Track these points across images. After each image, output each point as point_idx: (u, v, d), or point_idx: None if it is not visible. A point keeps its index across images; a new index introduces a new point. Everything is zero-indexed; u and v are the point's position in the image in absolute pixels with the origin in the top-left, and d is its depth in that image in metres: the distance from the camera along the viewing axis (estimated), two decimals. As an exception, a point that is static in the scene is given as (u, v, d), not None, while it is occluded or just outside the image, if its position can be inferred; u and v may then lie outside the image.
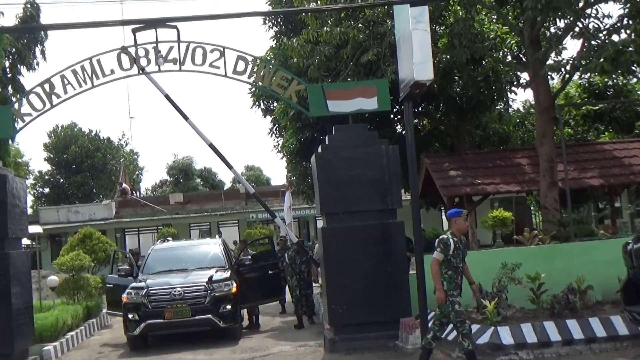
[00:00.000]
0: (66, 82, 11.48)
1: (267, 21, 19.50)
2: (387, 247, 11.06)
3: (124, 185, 43.25)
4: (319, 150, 11.56)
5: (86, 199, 51.93)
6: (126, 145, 59.96)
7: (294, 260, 14.26)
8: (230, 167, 13.17)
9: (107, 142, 56.81)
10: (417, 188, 10.48)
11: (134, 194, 45.02)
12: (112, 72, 11.65)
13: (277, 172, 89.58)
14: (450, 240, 8.35)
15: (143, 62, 11.68)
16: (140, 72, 11.79)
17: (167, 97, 12.54)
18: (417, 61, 9.10)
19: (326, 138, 11.75)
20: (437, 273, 8.28)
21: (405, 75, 9.78)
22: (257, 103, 21.23)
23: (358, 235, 11.04)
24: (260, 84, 12.04)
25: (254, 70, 11.65)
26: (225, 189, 56.98)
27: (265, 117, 21.69)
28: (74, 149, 53.36)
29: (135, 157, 61.65)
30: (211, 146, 12.88)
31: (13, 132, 11.84)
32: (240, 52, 11.71)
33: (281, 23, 19.37)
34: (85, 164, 53.38)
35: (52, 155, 54.54)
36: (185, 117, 12.70)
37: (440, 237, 8.50)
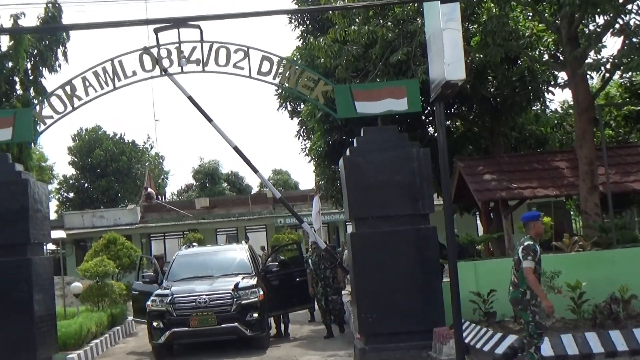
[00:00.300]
0: (87, 84, 11.56)
1: (293, 20, 19.46)
2: (419, 254, 10.95)
3: (149, 189, 43.55)
4: (347, 153, 11.48)
5: (111, 203, 52.42)
6: (151, 148, 60.51)
7: (318, 266, 14.02)
8: (255, 170, 13.14)
9: (131, 145, 57.33)
10: (450, 192, 10.34)
11: (160, 199, 45.30)
12: (134, 73, 11.71)
13: (305, 176, 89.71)
14: (537, 246, 8.21)
15: (165, 63, 11.73)
16: (163, 73, 11.83)
17: (190, 98, 12.56)
18: (448, 60, 8.94)
19: (354, 140, 11.66)
20: (537, 282, 8.11)
21: (436, 75, 9.64)
22: (283, 105, 21.22)
23: (389, 241, 10.94)
24: (286, 85, 12.01)
25: (280, 71, 11.63)
26: (252, 193, 57.19)
27: (292, 119, 21.68)
28: (98, 153, 53.93)
29: (161, 160, 62.16)
30: (236, 149, 12.87)
31: (34, 135, 11.92)
32: (265, 52, 11.68)
33: (307, 22, 19.31)
34: (110, 167, 53.91)
35: (76, 159, 55.18)
36: (209, 120, 12.70)
37: (526, 243, 8.25)
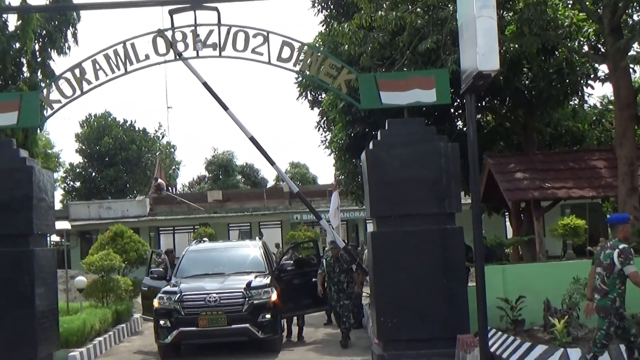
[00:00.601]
0: (98, 67, 11.63)
1: (316, 4, 19.43)
2: (443, 256, 10.92)
3: (159, 180, 43.77)
4: (370, 146, 11.46)
5: (119, 194, 52.76)
6: (162, 137, 60.80)
7: (332, 268, 13.80)
8: (272, 163, 13.16)
9: (142, 133, 57.60)
10: (479, 190, 10.30)
11: (170, 191, 45.54)
12: (147, 57, 11.77)
13: (324, 170, 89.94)
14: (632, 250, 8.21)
15: (180, 46, 11.77)
16: (177, 57, 11.87)
17: (205, 85, 12.59)
18: (481, 50, 8.91)
19: (378, 133, 11.64)
20: None
21: (468, 65, 9.59)
22: (303, 94, 21.20)
23: (412, 242, 10.92)
24: (307, 72, 12.00)
25: (301, 57, 11.63)
26: (267, 187, 57.31)
27: (312, 109, 21.65)
28: (107, 141, 54.26)
29: (172, 150, 62.44)
30: (252, 139, 12.89)
31: (41, 120, 12.00)
32: (285, 37, 11.69)
33: (331, 6, 19.27)
34: (119, 156, 54.23)
35: (84, 147, 55.55)
36: (225, 108, 12.74)
37: (622, 247, 8.17)
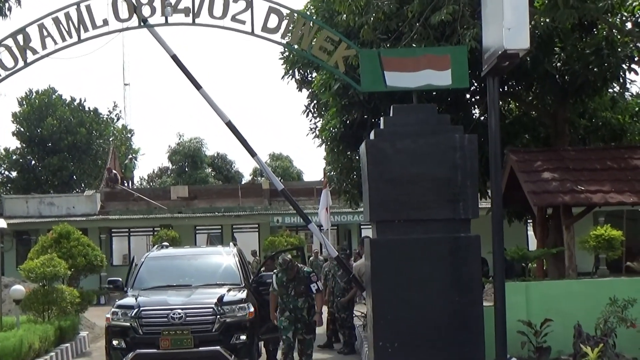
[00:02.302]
0: (45, 33, 11.64)
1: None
2: (456, 269, 10.91)
3: (113, 171, 43.69)
4: (371, 136, 11.46)
5: (64, 187, 52.61)
6: (117, 119, 60.63)
7: (285, 290, 13.13)
8: (253, 154, 13.19)
9: (93, 114, 57.43)
10: (500, 192, 10.32)
11: (125, 184, 45.47)
12: (105, 22, 11.81)
13: (311, 164, 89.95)
14: None
15: (145, 11, 11.78)
16: (142, 24, 11.86)
17: (174, 58, 12.60)
18: (508, 24, 8.94)
19: (381, 121, 11.65)
20: None
21: (492, 42, 9.63)
22: (290, 72, 21.24)
23: (418, 252, 10.91)
24: (297, 46, 12.02)
25: (290, 27, 11.63)
26: (243, 183, 57.33)
27: (300, 90, 21.74)
28: (50, 122, 53.99)
29: (129, 136, 62.29)
30: (229, 125, 12.91)
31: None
32: (273, 2, 11.69)
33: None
34: (65, 141, 53.96)
35: (22, 129, 55.26)
36: (198, 86, 12.74)
37: None
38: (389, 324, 10.92)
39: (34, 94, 56.06)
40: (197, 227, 39.50)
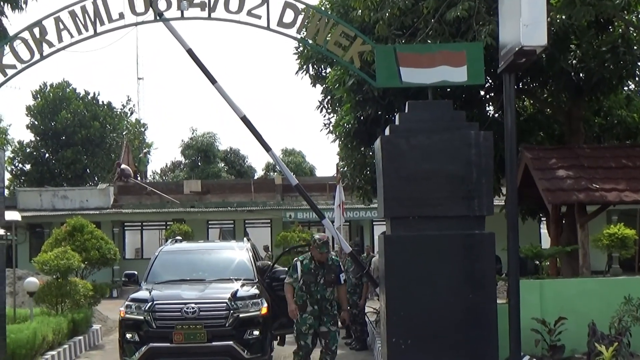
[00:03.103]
0: (62, 27, 11.63)
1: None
2: (470, 266, 10.86)
3: (123, 166, 43.74)
4: (387, 132, 11.42)
5: (77, 180, 52.77)
6: (131, 114, 60.79)
7: (314, 278, 13.37)
8: (267, 148, 13.19)
9: (107, 108, 57.59)
10: (516, 189, 10.25)
11: (138, 178, 45.54)
12: (122, 16, 11.78)
13: (324, 159, 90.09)
14: None
15: (161, 5, 11.76)
16: (158, 18, 11.85)
17: (189, 52, 12.61)
18: (526, 21, 8.89)
19: (396, 117, 11.61)
20: None
21: (508, 38, 9.58)
22: (304, 67, 21.21)
23: (432, 248, 10.87)
24: (312, 41, 11.99)
25: (306, 22, 11.60)
26: (255, 178, 57.36)
27: (314, 86, 21.69)
28: (64, 116, 54.17)
29: (142, 130, 62.42)
30: (244, 119, 12.91)
31: (-9, 87, 11.99)
32: (289, -5, 11.66)
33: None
34: (79, 135, 54.13)
35: (36, 122, 55.46)
36: (213, 81, 12.75)
37: None
38: (402, 320, 10.87)
39: (48, 87, 56.23)
40: (209, 222, 39.54)
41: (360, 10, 15.62)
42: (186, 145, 65.43)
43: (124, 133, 57.60)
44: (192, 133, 66.20)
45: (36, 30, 11.59)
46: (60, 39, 11.67)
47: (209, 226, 39.58)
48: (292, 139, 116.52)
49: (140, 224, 39.91)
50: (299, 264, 11.96)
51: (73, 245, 18.89)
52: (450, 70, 11.41)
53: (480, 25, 14.52)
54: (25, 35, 11.60)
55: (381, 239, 11.64)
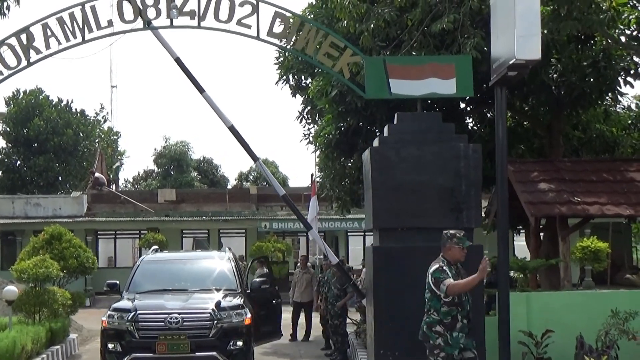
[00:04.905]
0: (49, 33, 11.55)
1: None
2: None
3: (97, 174, 43.38)
4: (376, 144, 11.42)
5: (49, 188, 52.25)
6: (104, 121, 60.34)
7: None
8: (255, 158, 13.15)
9: (80, 116, 57.11)
10: (506, 201, 10.22)
11: (112, 187, 45.19)
12: (110, 24, 11.72)
13: (297, 169, 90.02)
14: None
15: (151, 13, 11.69)
16: (147, 26, 11.75)
17: (177, 61, 12.53)
18: (520, 33, 8.92)
19: (385, 129, 11.60)
20: None
21: (501, 52, 9.58)
22: (284, 77, 21.15)
23: (420, 260, 10.82)
24: (298, 49, 11.93)
25: (298, 33, 11.55)
26: (230, 187, 57.18)
27: (294, 96, 21.66)
28: (37, 123, 53.64)
29: (115, 138, 61.99)
30: (232, 129, 12.83)
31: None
32: (279, 7, 11.63)
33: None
34: (51, 142, 53.63)
35: (8, 129, 54.91)
36: (201, 90, 12.68)
37: None
38: (390, 332, 10.89)
39: (22, 94, 55.65)
40: (184, 231, 39.22)
41: (345, 22, 15.55)
42: (159, 154, 65.19)
43: (96, 141, 57.13)
44: (165, 142, 66.04)
45: (23, 37, 11.47)
46: (47, 46, 11.56)
47: (184, 235, 39.25)
48: (265, 148, 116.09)
49: (113, 232, 39.45)
50: (446, 268, 9.35)
51: (51, 254, 18.60)
52: (439, 83, 11.46)
53: (465, 38, 14.50)
54: (12, 41, 11.47)
55: (369, 250, 11.63)
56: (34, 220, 35.45)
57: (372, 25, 15.23)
